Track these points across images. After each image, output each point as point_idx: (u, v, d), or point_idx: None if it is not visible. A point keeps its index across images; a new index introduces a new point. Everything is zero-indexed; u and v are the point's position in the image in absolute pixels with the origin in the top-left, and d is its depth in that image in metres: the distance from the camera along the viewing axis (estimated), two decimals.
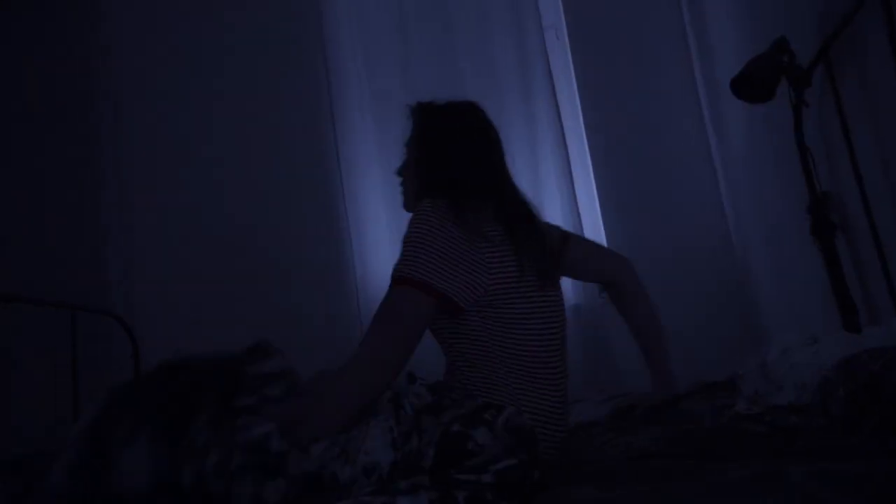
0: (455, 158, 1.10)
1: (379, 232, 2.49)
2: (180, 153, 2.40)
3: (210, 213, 2.35)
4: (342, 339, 2.25)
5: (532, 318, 1.02)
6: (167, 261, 2.30)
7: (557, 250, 1.16)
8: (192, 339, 2.24)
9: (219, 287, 2.30)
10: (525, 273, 1.00)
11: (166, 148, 2.40)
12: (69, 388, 1.88)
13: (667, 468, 0.83)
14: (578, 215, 2.50)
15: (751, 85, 1.65)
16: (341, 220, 2.46)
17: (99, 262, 2.28)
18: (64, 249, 2.25)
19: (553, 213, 2.43)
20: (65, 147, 2.33)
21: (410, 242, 0.96)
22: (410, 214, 1.01)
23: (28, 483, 0.99)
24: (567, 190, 2.48)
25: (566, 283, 2.41)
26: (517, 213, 1.08)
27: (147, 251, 2.30)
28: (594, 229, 2.53)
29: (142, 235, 2.32)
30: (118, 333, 2.05)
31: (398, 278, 0.95)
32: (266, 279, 2.35)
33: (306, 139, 2.48)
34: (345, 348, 2.25)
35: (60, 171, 2.30)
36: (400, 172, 1.21)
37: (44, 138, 2.35)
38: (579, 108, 2.56)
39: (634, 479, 0.81)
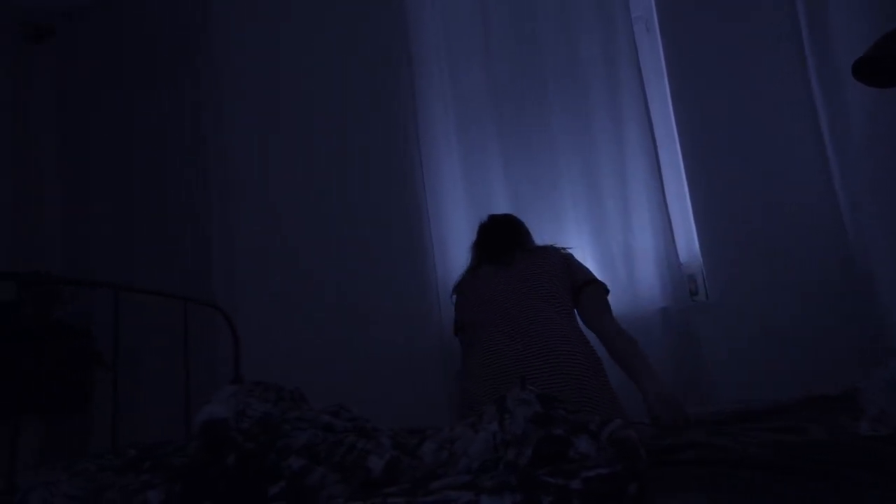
0: None
1: (458, 222, 2.49)
2: (274, 157, 2.54)
3: (303, 215, 2.46)
4: (424, 342, 2.29)
5: None
6: (265, 260, 2.45)
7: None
8: (285, 333, 2.38)
9: (308, 283, 2.41)
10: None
11: (262, 153, 2.54)
12: (179, 373, 2.04)
13: (783, 485, 0.77)
14: (669, 223, 2.35)
15: (879, 67, 1.48)
16: (424, 229, 2.49)
17: (206, 261, 2.47)
18: (176, 249, 2.47)
19: (641, 220, 2.33)
20: (177, 157, 2.55)
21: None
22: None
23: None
24: (656, 193, 2.35)
25: (654, 285, 2.31)
26: None
27: (248, 252, 2.47)
28: (686, 240, 2.40)
29: (243, 237, 2.49)
30: (222, 327, 2.20)
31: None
32: (350, 275, 2.42)
33: (389, 140, 2.53)
34: (426, 348, 2.30)
35: (175, 179, 2.52)
36: None
37: (161, 151, 2.59)
38: (671, 106, 2.40)
39: (748, 492, 0.76)
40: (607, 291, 1.83)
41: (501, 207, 2.42)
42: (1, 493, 0.93)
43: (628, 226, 2.35)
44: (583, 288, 1.75)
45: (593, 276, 1.83)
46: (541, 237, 2.24)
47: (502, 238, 2.00)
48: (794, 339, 2.07)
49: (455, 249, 2.48)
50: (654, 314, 2.28)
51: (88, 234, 2.75)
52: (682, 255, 2.36)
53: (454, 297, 2.05)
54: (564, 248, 2.03)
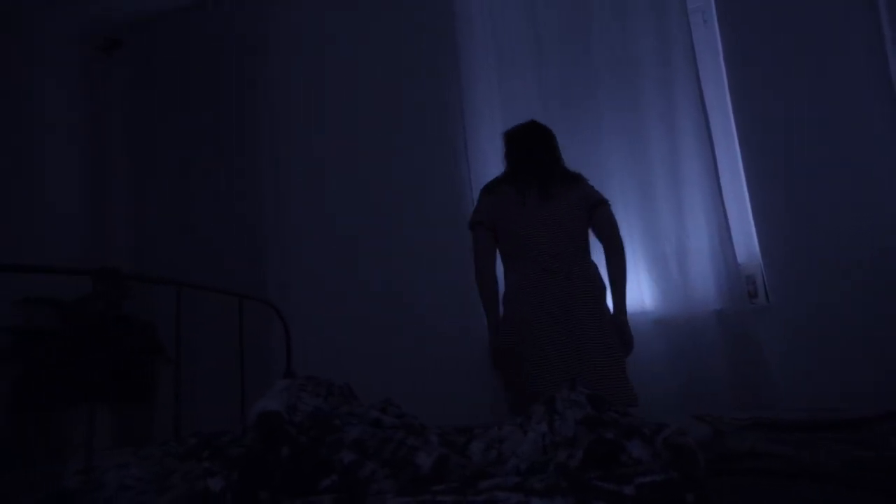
0: None
1: None
2: (325, 161, 2.61)
3: (353, 215, 2.52)
4: (472, 340, 2.29)
5: None
6: (316, 259, 2.53)
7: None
8: (335, 329, 2.44)
9: (357, 282, 2.47)
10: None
11: (313, 157, 2.62)
12: (234, 366, 2.12)
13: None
14: (726, 221, 2.21)
15: None
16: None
17: (260, 259, 2.57)
18: (232, 248, 2.58)
19: (696, 219, 2.23)
20: (234, 161, 2.68)
21: None
22: None
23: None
24: (712, 191, 2.24)
25: (710, 286, 2.23)
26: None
27: (300, 251, 2.55)
28: (745, 239, 2.29)
29: (295, 237, 2.57)
30: (275, 322, 2.28)
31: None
32: (399, 274, 2.45)
33: (436, 142, 2.54)
34: (474, 346, 2.30)
35: (232, 182, 2.64)
36: None
37: (219, 156, 2.73)
38: (729, 102, 2.29)
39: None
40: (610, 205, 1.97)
41: None
42: (81, 472, 1.00)
43: (682, 225, 2.26)
44: (596, 207, 1.92)
45: (601, 196, 1.96)
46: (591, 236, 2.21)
47: (540, 157, 2.00)
48: (861, 345, 1.95)
49: None
50: (709, 316, 2.19)
51: (153, 234, 2.91)
52: (741, 255, 2.26)
53: (485, 197, 1.96)
54: (579, 173, 2.02)
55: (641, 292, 2.24)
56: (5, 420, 1.75)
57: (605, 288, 1.84)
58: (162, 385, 2.48)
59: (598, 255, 1.91)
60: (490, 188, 1.97)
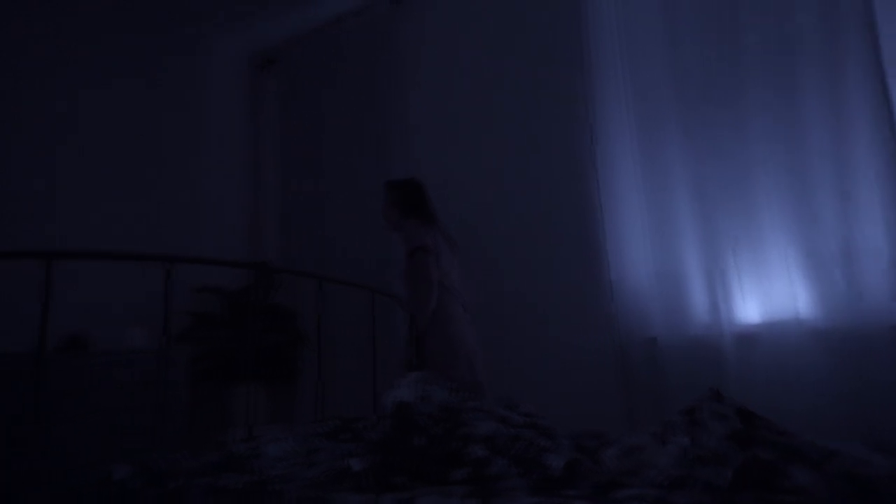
0: None
1: (634, 224, 2.33)
2: (454, 161, 2.68)
3: (479, 215, 2.56)
4: (597, 344, 2.21)
5: None
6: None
7: None
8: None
9: (481, 280, 2.50)
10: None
11: (444, 158, 2.71)
12: (366, 355, 2.27)
13: None
14: None
15: None
16: (598, 231, 2.38)
17: (387, 256, 2.73)
18: (365, 246, 2.78)
19: (870, 214, 1.91)
20: (372, 163, 2.88)
21: None
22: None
23: (359, 438, 1.23)
24: (891, 181, 1.91)
25: (885, 295, 1.91)
26: None
27: None
28: None
29: None
30: (402, 315, 2.40)
31: None
32: (524, 274, 2.44)
33: (564, 141, 2.47)
34: (600, 350, 2.21)
35: (370, 184, 2.84)
36: None
37: (358, 158, 2.95)
38: None
39: None
40: None
41: (684, 206, 2.20)
42: (244, 440, 1.14)
43: (849, 222, 1.95)
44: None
45: None
46: (729, 236, 2.01)
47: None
48: None
49: (630, 251, 2.34)
50: (885, 332, 1.87)
51: (297, 232, 3.21)
52: None
53: (423, 228, 2.17)
54: None
55: (795, 297, 1.97)
56: (186, 393, 2.06)
57: None
58: (303, 369, 2.74)
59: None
60: (422, 221, 2.19)
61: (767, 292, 1.96)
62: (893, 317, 1.86)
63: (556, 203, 2.47)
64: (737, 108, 2.19)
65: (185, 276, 1.53)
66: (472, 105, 2.69)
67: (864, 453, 0.68)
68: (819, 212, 2.00)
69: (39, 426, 1.04)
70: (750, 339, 1.92)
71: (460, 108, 2.72)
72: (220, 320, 2.49)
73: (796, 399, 1.69)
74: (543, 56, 2.57)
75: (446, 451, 0.89)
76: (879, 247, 1.88)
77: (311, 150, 3.28)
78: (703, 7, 2.30)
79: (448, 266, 2.15)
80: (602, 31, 2.48)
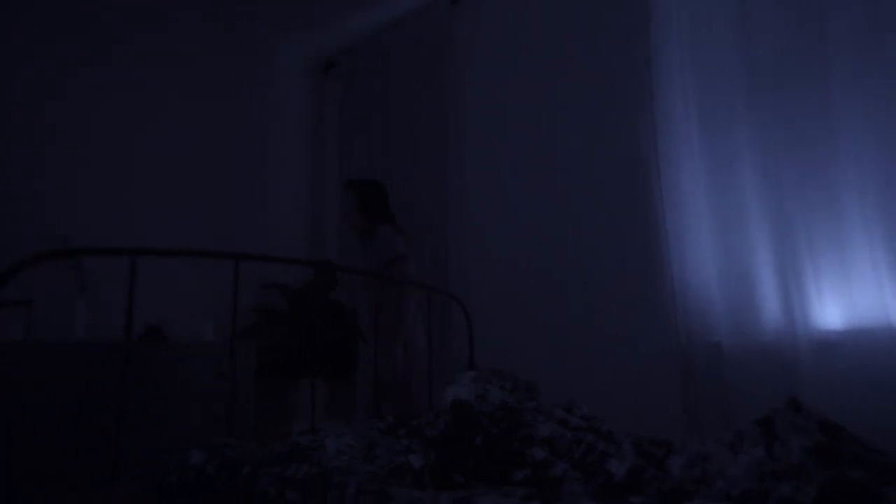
0: None
1: (698, 219, 2.21)
2: (507, 158, 2.66)
3: (535, 214, 2.53)
4: (659, 346, 2.13)
5: None
6: (499, 257, 2.60)
7: None
8: (515, 326, 2.48)
9: (538, 280, 2.47)
10: None
11: (497, 156, 2.69)
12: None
13: None
14: None
15: None
16: (659, 226, 2.29)
17: (444, 257, 2.74)
18: (421, 245, 2.81)
19: None
20: (427, 163, 2.92)
21: None
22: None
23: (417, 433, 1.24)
24: None
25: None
26: None
27: (483, 250, 2.65)
28: None
29: (478, 235, 2.68)
30: (457, 315, 2.41)
31: None
32: (582, 273, 2.38)
33: (621, 132, 2.39)
34: (661, 353, 2.13)
35: (423, 184, 2.88)
36: None
37: (413, 160, 2.99)
38: None
39: None
40: None
41: (754, 200, 2.07)
42: (306, 433, 1.18)
43: None
44: None
45: None
46: (805, 233, 1.87)
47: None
48: None
49: (694, 248, 2.23)
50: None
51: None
52: None
53: (398, 236, 2.32)
54: None
55: (884, 300, 1.80)
56: (253, 386, 2.15)
57: None
58: (359, 366, 2.80)
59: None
60: (393, 227, 2.32)
61: (851, 296, 1.81)
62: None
63: (616, 198, 2.40)
64: (818, 93, 2.03)
65: (251, 273, 1.61)
66: (530, 102, 2.65)
67: None
68: None
69: (126, 412, 1.11)
70: (830, 346, 1.79)
71: (518, 106, 2.69)
72: (283, 317, 2.59)
73: (887, 414, 1.56)
74: (604, 48, 2.50)
75: (506, 451, 0.89)
76: None
77: (369, 151, 3.36)
78: None
79: (414, 269, 2.31)
80: (667, 22, 2.38)
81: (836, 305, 1.83)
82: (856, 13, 1.98)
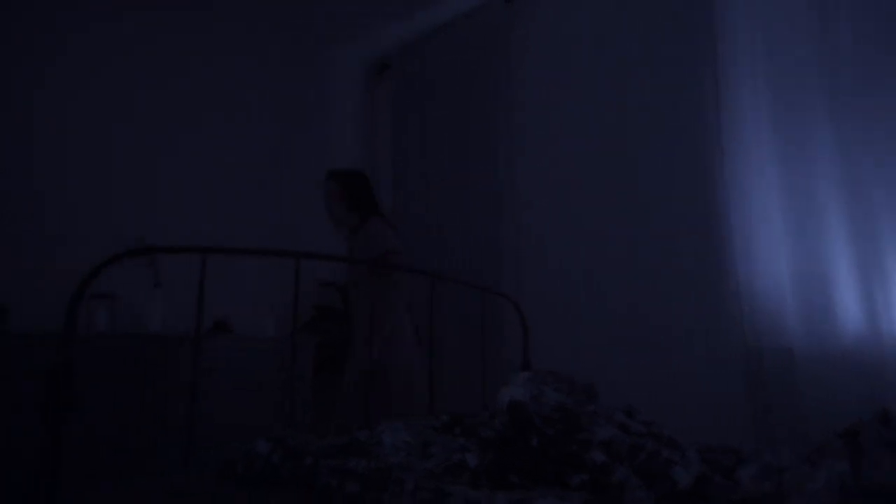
0: None
1: (766, 219, 2.09)
2: (564, 158, 2.61)
3: (594, 215, 2.47)
4: (723, 352, 2.04)
5: None
6: (554, 259, 2.56)
7: None
8: (572, 328, 2.43)
9: (596, 283, 2.41)
10: None
11: (553, 156, 2.65)
12: (472, 352, 2.29)
13: None
14: None
15: None
16: (724, 229, 2.18)
17: (498, 257, 2.73)
18: (473, 248, 2.82)
19: None
20: (479, 165, 2.93)
21: None
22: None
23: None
24: None
25: None
26: None
27: (534, 250, 2.63)
28: None
29: (531, 236, 2.66)
30: (510, 315, 2.39)
31: None
32: (642, 276, 2.31)
33: (685, 130, 2.30)
34: (726, 360, 2.03)
35: (477, 185, 2.89)
36: None
37: (465, 161, 3.01)
38: None
39: None
40: None
41: (833, 201, 1.94)
42: (362, 428, 1.20)
43: None
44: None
45: None
46: (892, 233, 1.74)
47: None
48: None
49: (765, 248, 2.11)
50: None
51: (408, 230, 3.32)
52: None
53: (391, 231, 2.18)
54: None
55: None
56: (309, 381, 2.23)
57: None
58: None
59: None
60: (384, 220, 2.17)
61: None
62: None
63: (678, 196, 2.31)
64: None
65: (311, 272, 1.65)
66: (585, 102, 2.59)
67: None
68: None
69: (195, 402, 1.18)
70: None
71: (572, 106, 2.64)
72: (339, 313, 2.66)
73: None
74: (666, 43, 2.41)
75: (563, 453, 0.87)
76: None
77: (422, 152, 3.39)
78: None
79: (405, 264, 2.21)
80: (736, 19, 2.27)
81: None
82: None
